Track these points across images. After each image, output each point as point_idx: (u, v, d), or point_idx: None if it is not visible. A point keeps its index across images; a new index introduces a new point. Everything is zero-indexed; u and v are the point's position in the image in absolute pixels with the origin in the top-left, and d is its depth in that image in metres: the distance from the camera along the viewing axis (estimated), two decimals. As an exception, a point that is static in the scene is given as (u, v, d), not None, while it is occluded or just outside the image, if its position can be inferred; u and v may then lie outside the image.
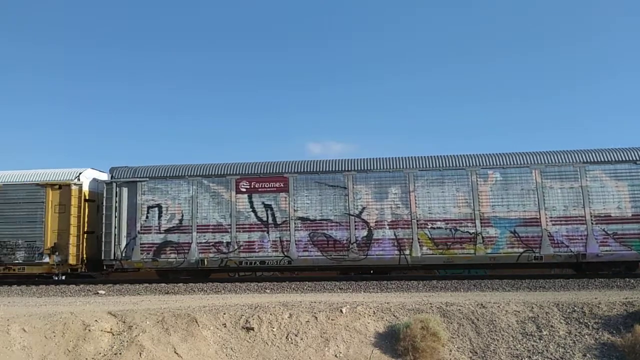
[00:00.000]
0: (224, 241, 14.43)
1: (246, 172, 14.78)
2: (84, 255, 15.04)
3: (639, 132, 46.65)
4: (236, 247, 14.34)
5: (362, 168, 14.49)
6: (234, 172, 14.81)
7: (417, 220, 13.96)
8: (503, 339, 7.86)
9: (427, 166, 14.27)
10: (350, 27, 53.61)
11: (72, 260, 14.81)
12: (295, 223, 14.33)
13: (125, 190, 14.93)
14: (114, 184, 14.94)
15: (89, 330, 7.99)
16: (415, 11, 54.14)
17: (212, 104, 55.41)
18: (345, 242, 14.09)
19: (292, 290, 12.48)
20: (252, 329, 8.11)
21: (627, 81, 46.84)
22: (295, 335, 8.00)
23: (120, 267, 14.69)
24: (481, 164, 14.12)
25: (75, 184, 15.15)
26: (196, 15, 55.77)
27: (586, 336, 7.76)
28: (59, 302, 10.97)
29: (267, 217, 14.44)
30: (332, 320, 8.24)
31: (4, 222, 15.19)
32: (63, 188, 15.16)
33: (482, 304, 8.62)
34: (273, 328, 8.13)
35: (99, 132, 52.19)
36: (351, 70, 54.58)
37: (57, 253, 14.84)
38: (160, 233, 14.66)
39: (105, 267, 14.89)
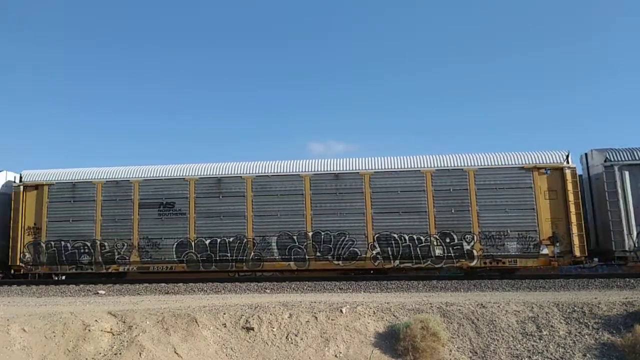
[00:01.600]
0: None
1: None
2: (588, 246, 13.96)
3: (638, 132, 46.72)
4: None
5: None
6: None
7: None
8: (503, 339, 7.86)
9: None
10: (350, 27, 53.67)
11: (577, 251, 13.67)
12: None
13: (627, 174, 14.06)
14: (615, 167, 14.08)
15: (89, 330, 7.98)
16: (415, 11, 54.20)
17: (212, 104, 55.44)
18: None
19: (292, 290, 12.49)
20: (252, 329, 8.11)
21: (627, 81, 46.87)
22: (295, 335, 8.00)
23: (635, 259, 13.73)
24: None
25: (568, 167, 14.17)
26: (196, 15, 55.83)
27: (586, 336, 7.76)
28: (59, 302, 10.97)
29: None
30: (332, 320, 8.23)
31: (488, 210, 14.12)
32: (552, 172, 14.22)
33: (482, 304, 8.62)
34: (273, 328, 8.13)
35: (99, 132, 52.22)
36: (351, 70, 54.61)
37: (557, 244, 13.77)
38: None
39: (616, 258, 13.94)
